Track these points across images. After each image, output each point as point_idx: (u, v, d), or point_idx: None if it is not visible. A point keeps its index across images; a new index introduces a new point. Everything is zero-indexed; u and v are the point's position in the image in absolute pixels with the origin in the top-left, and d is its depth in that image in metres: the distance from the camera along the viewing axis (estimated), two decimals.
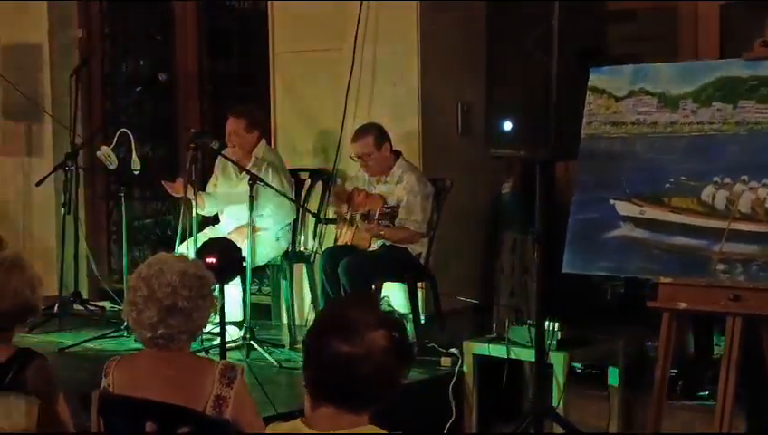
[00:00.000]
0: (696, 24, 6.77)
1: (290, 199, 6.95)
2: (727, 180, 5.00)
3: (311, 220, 7.29)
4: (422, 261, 6.81)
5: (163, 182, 7.18)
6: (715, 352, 6.18)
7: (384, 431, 2.81)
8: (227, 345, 5.92)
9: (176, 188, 7.05)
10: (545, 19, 5.31)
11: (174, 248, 6.83)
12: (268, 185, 6.72)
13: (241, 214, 6.84)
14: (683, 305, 5.07)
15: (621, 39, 6.78)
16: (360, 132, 6.83)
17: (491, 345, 6.16)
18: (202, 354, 5.65)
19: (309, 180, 7.40)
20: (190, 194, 6.76)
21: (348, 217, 6.92)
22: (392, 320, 2.86)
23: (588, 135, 5.43)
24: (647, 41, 7.16)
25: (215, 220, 7.44)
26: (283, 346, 6.86)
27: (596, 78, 5.45)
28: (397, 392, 2.86)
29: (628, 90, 5.37)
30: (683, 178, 5.12)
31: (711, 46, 6.69)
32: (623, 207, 5.27)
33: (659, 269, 5.15)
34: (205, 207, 7.14)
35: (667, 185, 5.17)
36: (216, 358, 5.40)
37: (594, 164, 5.44)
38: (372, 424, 2.83)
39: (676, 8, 6.92)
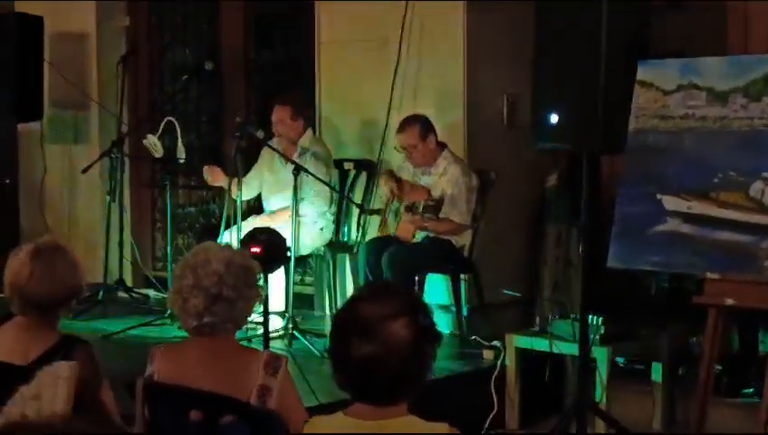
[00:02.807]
0: (746, 20, 6.69)
1: (333, 189, 6.95)
2: None
3: (354, 211, 7.28)
4: (466, 253, 6.80)
5: (204, 169, 7.21)
6: (760, 349, 6.13)
7: (425, 421, 2.81)
8: (270, 335, 5.92)
9: (213, 177, 7.09)
10: (593, 12, 5.28)
11: (218, 236, 6.85)
12: (313, 175, 6.72)
13: (286, 204, 6.85)
14: (730, 302, 5.04)
15: (668, 34, 6.72)
16: (406, 123, 6.82)
17: (534, 339, 6.14)
18: (245, 344, 5.66)
19: (353, 171, 7.39)
20: (234, 191, 6.78)
21: (392, 206, 6.91)
22: (409, 302, 2.82)
23: (635, 129, 5.39)
24: (694, 37, 7.10)
25: (259, 210, 7.46)
26: (326, 336, 6.85)
27: (644, 72, 5.41)
28: (428, 375, 2.83)
29: (676, 84, 5.33)
30: (731, 173, 5.08)
31: (762, 41, 6.60)
32: (670, 202, 5.24)
33: (706, 265, 5.11)
34: (243, 193, 7.13)
35: (716, 180, 5.13)
36: (259, 347, 5.41)
37: (641, 158, 5.40)
38: (412, 413, 2.82)
39: (725, 5, 6.84)
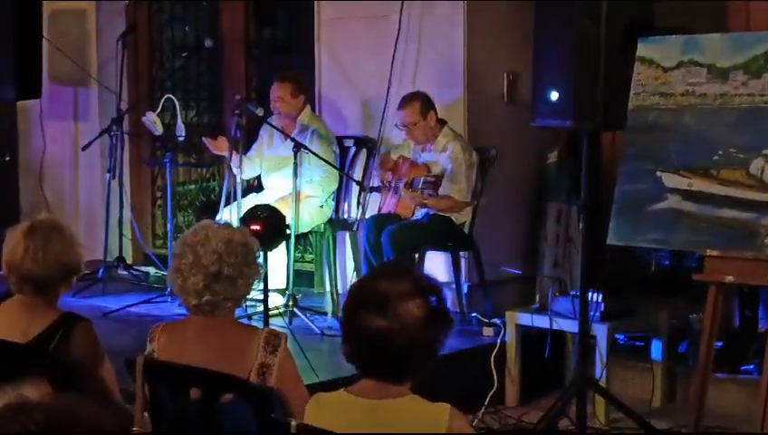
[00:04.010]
0: (747, 6, 6.65)
1: (334, 167, 6.94)
2: None
3: (354, 188, 7.28)
4: (466, 230, 6.80)
5: (204, 139, 7.19)
6: (760, 326, 6.14)
7: (426, 401, 2.82)
8: (270, 312, 5.93)
9: (216, 146, 7.07)
10: None
11: (217, 214, 6.85)
12: (312, 152, 6.71)
13: (286, 182, 6.84)
14: (730, 279, 5.04)
15: (669, 11, 6.70)
16: (406, 101, 6.80)
17: (534, 316, 6.14)
18: (245, 321, 5.67)
19: (353, 148, 7.38)
20: (234, 165, 6.77)
21: (392, 186, 6.91)
22: (426, 285, 2.84)
23: (636, 106, 5.38)
24: (696, 11, 7.07)
25: (258, 188, 7.46)
26: (326, 314, 6.87)
27: (645, 48, 5.40)
28: (436, 358, 2.86)
29: (677, 60, 5.32)
30: (732, 150, 5.07)
31: (763, 17, 6.57)
32: (670, 179, 5.24)
33: (706, 242, 5.12)
34: (245, 171, 7.12)
35: (716, 157, 5.12)
36: (259, 325, 5.41)
37: (641, 135, 5.40)
38: (413, 393, 2.84)
39: None
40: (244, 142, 7.01)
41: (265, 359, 3.46)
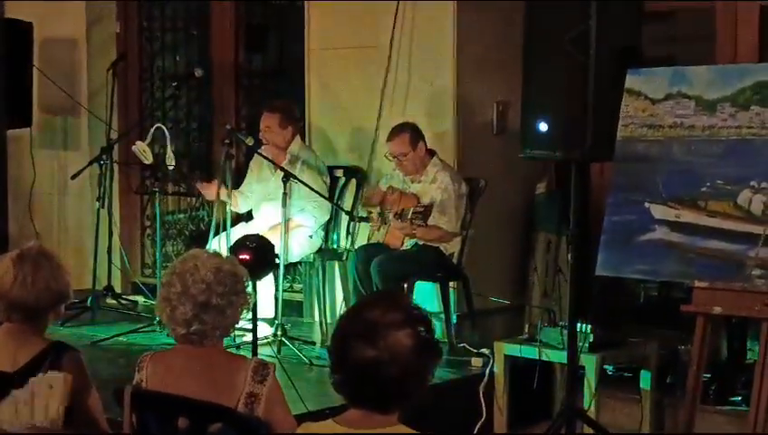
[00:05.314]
0: (735, 25, 6.71)
1: (324, 197, 6.94)
2: (764, 185, 4.98)
3: (344, 218, 7.28)
4: (455, 261, 6.80)
5: (197, 185, 7.22)
6: (748, 357, 6.15)
7: (414, 431, 2.82)
8: (258, 342, 5.92)
9: (210, 192, 7.07)
10: (583, 19, 5.28)
11: (207, 243, 6.85)
12: (302, 183, 6.72)
13: (276, 212, 6.84)
14: (718, 310, 5.05)
15: (658, 39, 6.74)
16: (396, 131, 6.82)
17: (522, 346, 6.14)
18: (233, 350, 5.66)
19: (343, 178, 7.39)
20: (223, 195, 6.78)
21: (381, 217, 6.91)
22: (416, 316, 2.85)
23: (624, 137, 5.40)
24: (683, 42, 7.12)
25: (248, 218, 7.46)
26: (315, 343, 6.86)
27: (633, 80, 5.42)
28: (425, 389, 2.86)
29: (665, 93, 5.35)
30: (719, 182, 5.09)
31: (750, 48, 6.63)
32: (658, 211, 5.25)
33: (694, 273, 5.13)
34: (239, 205, 7.16)
35: (704, 189, 5.14)
36: (248, 354, 5.41)
37: (630, 166, 5.42)
38: (401, 423, 2.84)
39: (714, 9, 6.85)
40: (235, 172, 7.02)
41: (254, 388, 3.46)
